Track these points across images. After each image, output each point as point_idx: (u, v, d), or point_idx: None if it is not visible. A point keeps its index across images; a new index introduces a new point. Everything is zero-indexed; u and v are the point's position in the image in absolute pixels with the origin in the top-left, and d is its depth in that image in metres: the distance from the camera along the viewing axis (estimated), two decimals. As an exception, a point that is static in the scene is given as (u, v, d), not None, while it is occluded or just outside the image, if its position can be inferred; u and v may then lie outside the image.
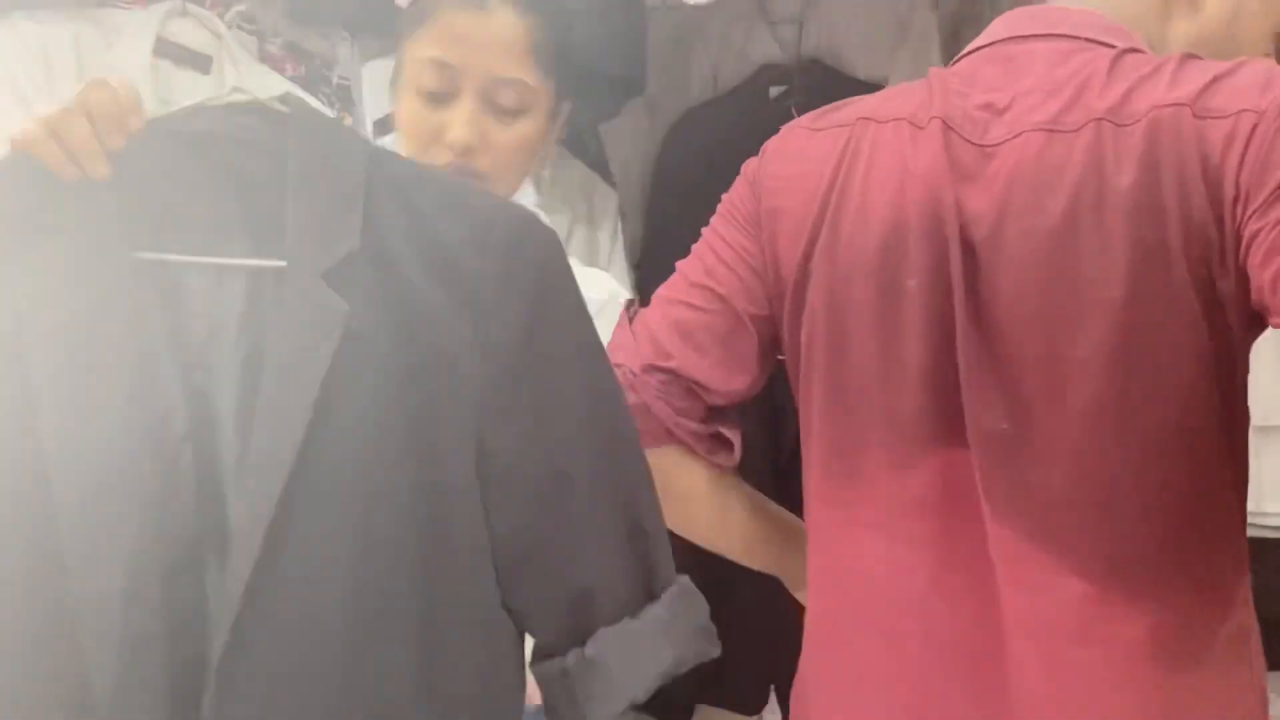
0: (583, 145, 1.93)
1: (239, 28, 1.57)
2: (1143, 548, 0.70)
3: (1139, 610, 0.69)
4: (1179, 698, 0.70)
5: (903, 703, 0.76)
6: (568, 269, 0.70)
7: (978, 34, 0.87)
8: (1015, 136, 0.74)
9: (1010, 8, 0.90)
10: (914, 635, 0.77)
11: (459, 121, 0.95)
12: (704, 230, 0.93)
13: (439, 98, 0.96)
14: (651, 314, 0.90)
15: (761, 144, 1.82)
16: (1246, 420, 0.74)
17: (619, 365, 0.83)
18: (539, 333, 0.66)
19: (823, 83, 1.81)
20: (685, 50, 2.04)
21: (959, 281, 0.74)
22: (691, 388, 0.86)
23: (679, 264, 0.94)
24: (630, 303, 1.03)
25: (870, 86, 1.75)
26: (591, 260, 1.90)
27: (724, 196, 0.94)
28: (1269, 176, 0.65)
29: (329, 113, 1.66)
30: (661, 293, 0.92)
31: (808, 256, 0.82)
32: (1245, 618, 0.75)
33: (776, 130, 1.83)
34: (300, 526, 0.56)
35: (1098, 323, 0.70)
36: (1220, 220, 0.67)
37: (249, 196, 0.65)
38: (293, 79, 1.63)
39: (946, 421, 0.75)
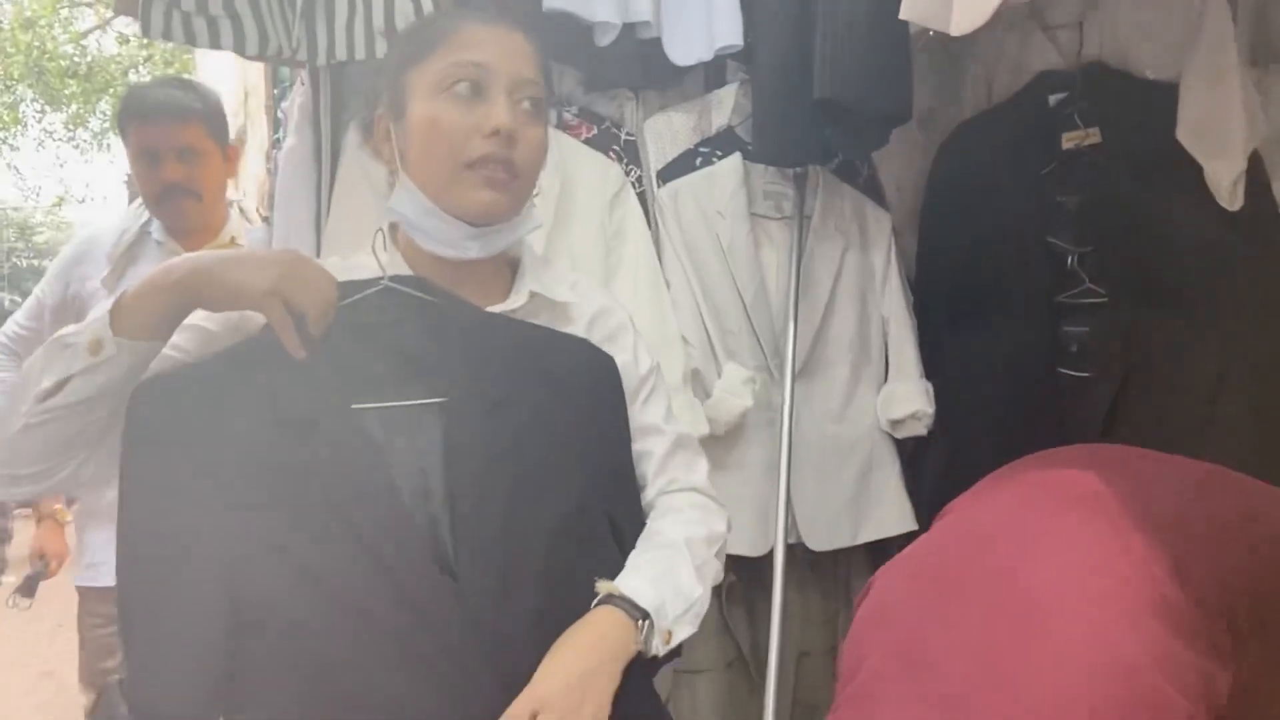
0: (853, 170, 1.97)
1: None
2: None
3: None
4: None
5: None
6: (615, 376, 1.06)
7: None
8: None
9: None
10: None
11: (498, 111, 0.99)
12: None
13: (473, 94, 0.99)
14: None
15: (1041, 153, 1.81)
16: None
17: None
18: (600, 411, 1.05)
19: (1107, 86, 1.74)
20: (957, 61, 2.02)
21: None
22: None
23: None
24: None
25: (1161, 87, 1.67)
26: (866, 283, 1.94)
27: None
28: None
29: (619, 167, 1.84)
30: None
31: None
32: None
33: (1056, 139, 1.81)
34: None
35: None
36: None
37: (411, 362, 0.97)
38: (587, 140, 1.82)
39: None
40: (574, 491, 0.97)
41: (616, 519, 1.02)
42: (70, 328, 0.90)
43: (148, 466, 0.87)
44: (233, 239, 1.97)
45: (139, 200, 1.96)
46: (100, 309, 0.90)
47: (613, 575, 0.97)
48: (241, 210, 2.04)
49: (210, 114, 1.89)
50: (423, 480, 0.92)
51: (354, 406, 0.92)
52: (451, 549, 0.89)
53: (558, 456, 0.97)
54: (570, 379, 1.02)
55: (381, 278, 0.97)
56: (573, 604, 0.93)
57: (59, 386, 0.88)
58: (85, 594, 1.95)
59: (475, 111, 0.98)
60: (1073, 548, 0.87)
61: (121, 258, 1.86)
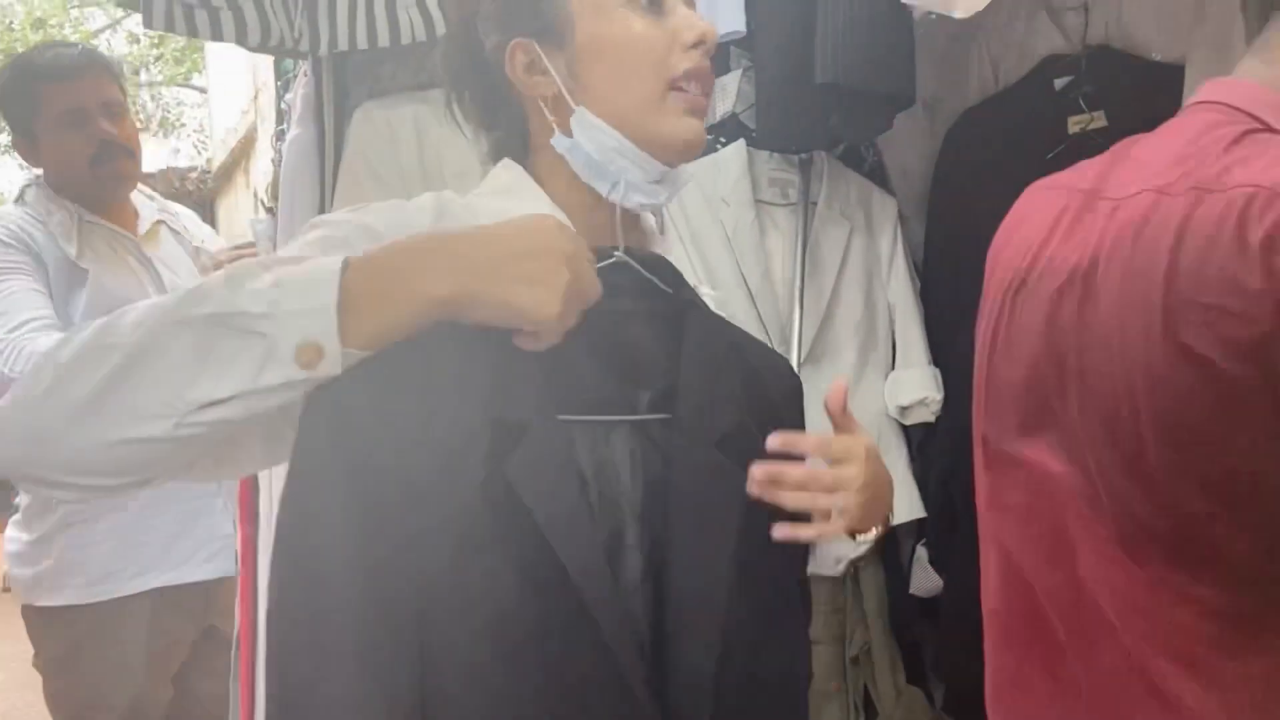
0: (859, 156, 1.97)
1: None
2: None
3: None
4: None
5: None
6: (802, 410, 0.90)
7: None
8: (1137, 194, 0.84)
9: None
10: None
11: (695, 18, 0.85)
12: None
13: (652, 7, 0.85)
14: None
15: (1048, 137, 1.79)
16: None
17: None
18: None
19: (1113, 69, 1.72)
20: (963, 47, 2.01)
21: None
22: None
23: None
24: None
25: (1168, 69, 1.65)
26: (872, 269, 1.94)
27: None
28: None
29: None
30: None
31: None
32: None
33: (1062, 123, 1.80)
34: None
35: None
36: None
37: (642, 365, 0.78)
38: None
39: None
40: (779, 564, 0.79)
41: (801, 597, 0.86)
42: (228, 297, 0.64)
43: (330, 474, 0.64)
44: (160, 222, 1.87)
45: (22, 204, 1.74)
46: (308, 298, 0.64)
47: (799, 668, 0.84)
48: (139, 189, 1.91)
49: (119, 71, 1.80)
50: (615, 528, 0.73)
51: (560, 418, 0.70)
52: (648, 634, 0.71)
53: (767, 517, 0.77)
54: (777, 410, 0.82)
55: (614, 248, 0.77)
56: (764, 700, 0.77)
57: (236, 397, 0.63)
58: (84, 612, 1.73)
59: (664, 24, 0.85)
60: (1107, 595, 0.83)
61: (79, 235, 1.71)
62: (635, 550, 0.73)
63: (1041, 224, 0.94)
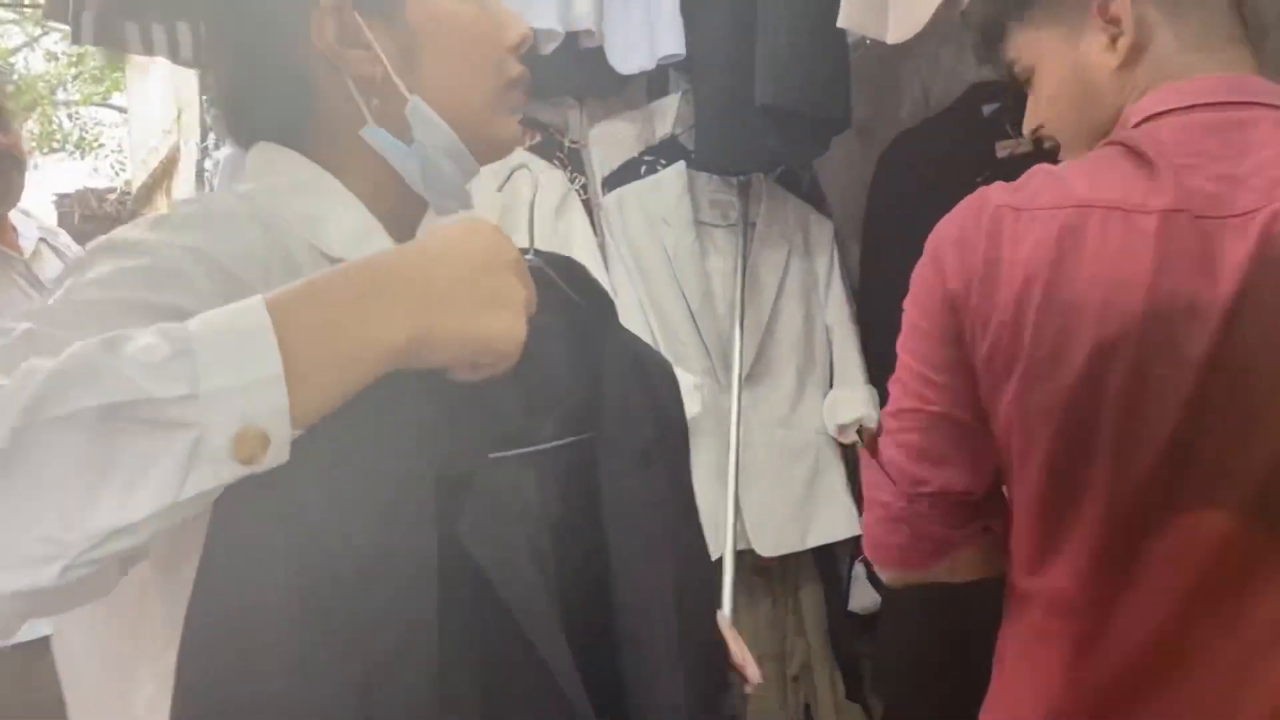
0: (796, 179, 2.00)
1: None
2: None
3: None
4: None
5: None
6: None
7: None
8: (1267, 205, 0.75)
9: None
10: None
11: (509, 12, 0.75)
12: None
13: None
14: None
15: (977, 161, 1.85)
16: None
17: (886, 504, 0.90)
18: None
19: (1038, 95, 1.79)
20: (894, 73, 2.07)
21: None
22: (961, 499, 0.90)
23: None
24: (864, 430, 1.10)
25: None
26: (810, 290, 1.97)
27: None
28: None
29: (563, 174, 1.84)
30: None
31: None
32: None
33: (990, 147, 1.85)
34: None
35: None
36: None
37: (555, 385, 0.70)
38: (530, 148, 1.82)
39: None
40: (701, 579, 0.76)
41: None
42: (122, 376, 0.44)
43: (267, 554, 0.50)
44: (42, 241, 1.75)
45: None
46: (243, 369, 0.46)
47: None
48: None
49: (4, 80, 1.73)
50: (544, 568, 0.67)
51: (491, 456, 0.62)
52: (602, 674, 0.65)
53: (694, 546, 0.74)
54: (666, 407, 0.75)
55: (526, 251, 0.66)
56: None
57: (152, 516, 0.45)
58: None
59: (486, 17, 0.73)
60: None
61: None
62: (553, 580, 0.66)
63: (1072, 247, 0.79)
